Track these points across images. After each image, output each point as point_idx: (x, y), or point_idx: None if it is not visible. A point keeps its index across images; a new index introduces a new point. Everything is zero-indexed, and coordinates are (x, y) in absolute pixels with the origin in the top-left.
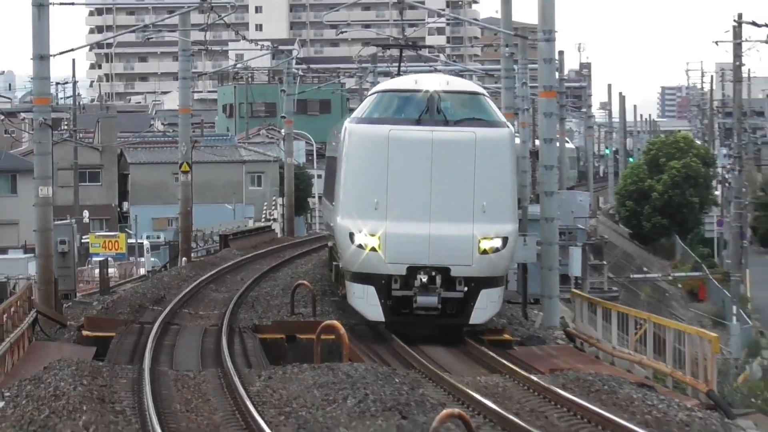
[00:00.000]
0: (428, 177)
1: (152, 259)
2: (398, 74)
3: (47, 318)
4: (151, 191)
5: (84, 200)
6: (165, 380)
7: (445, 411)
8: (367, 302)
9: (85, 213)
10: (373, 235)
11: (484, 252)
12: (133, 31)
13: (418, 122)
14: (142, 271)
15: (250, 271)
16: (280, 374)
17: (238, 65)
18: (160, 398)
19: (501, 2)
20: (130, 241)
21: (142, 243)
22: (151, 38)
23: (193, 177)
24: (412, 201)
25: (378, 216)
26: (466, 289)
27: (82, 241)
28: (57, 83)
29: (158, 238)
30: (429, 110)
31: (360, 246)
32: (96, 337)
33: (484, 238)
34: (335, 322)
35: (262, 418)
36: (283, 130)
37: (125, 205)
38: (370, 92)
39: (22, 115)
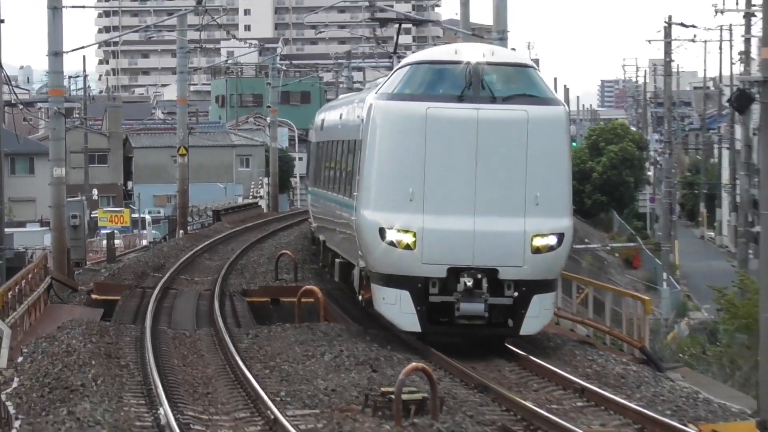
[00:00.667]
0: (473, 163)
1: (153, 231)
2: (394, 52)
3: (60, 283)
4: (152, 172)
5: (93, 180)
6: (164, 338)
7: (410, 365)
8: (399, 309)
9: (94, 191)
10: (407, 231)
11: (538, 251)
12: (137, 31)
13: (461, 99)
14: (144, 242)
15: (239, 242)
16: (265, 333)
17: (229, 61)
18: (160, 354)
19: (460, 5)
20: (133, 215)
21: (144, 217)
22: (153, 37)
23: (189, 159)
24: (453, 191)
25: (413, 208)
26: (516, 294)
27: (92, 215)
28: (69, 77)
29: (159, 213)
30: (472, 85)
31: (392, 243)
32: (103, 301)
33: (538, 235)
34: (314, 287)
35: (250, 372)
36: (268, 118)
37: (129, 184)
38: (399, 64)
39: (39, 104)
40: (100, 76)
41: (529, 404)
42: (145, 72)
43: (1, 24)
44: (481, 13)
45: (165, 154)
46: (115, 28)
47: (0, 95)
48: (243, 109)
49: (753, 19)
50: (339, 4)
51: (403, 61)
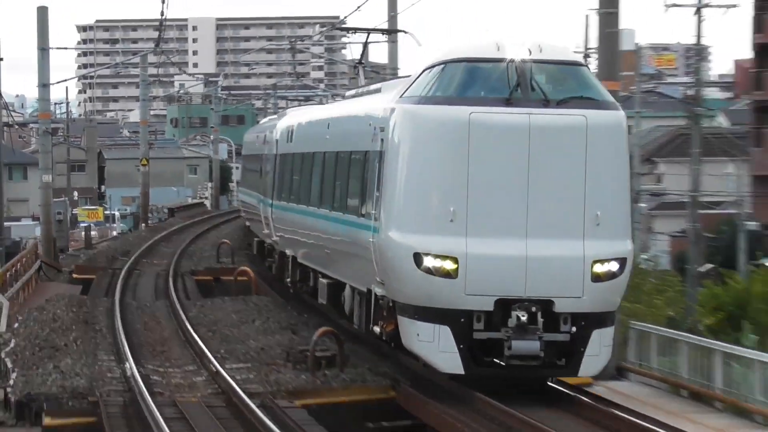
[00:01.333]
0: (524, 176)
1: (121, 224)
2: (360, 62)
3: (48, 266)
4: (121, 178)
5: (74, 184)
6: (130, 308)
7: (321, 329)
8: (438, 348)
9: (75, 193)
10: (448, 257)
11: (598, 278)
12: (108, 68)
13: (508, 102)
14: (114, 233)
15: (189, 233)
16: (209, 304)
17: (181, 91)
18: (126, 321)
19: (362, 48)
20: (106, 212)
21: (114, 214)
22: (120, 72)
23: (150, 168)
24: (501, 210)
25: (455, 230)
26: (574, 329)
27: (73, 212)
28: (55, 103)
29: (125, 210)
30: (520, 86)
31: (429, 271)
32: (82, 279)
33: (598, 261)
34: (247, 268)
35: (197, 334)
36: (211, 136)
37: (103, 187)
38: (428, 64)
39: (31, 125)
40: (80, 102)
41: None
42: (115, 100)
43: (1, 62)
44: (381, 54)
45: (130, 164)
46: (92, 65)
47: (0, 118)
48: (192, 129)
49: None
50: (267, 46)
51: (432, 60)
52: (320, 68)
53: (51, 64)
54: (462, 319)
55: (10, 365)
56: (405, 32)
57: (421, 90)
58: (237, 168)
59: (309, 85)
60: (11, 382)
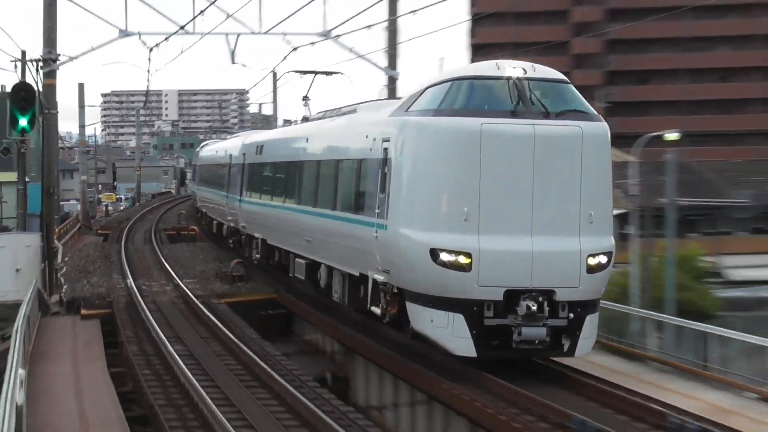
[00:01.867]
0: (529, 180)
1: (125, 203)
2: (306, 97)
3: (84, 226)
4: (125, 178)
5: (99, 181)
6: (129, 249)
7: (236, 260)
8: (452, 333)
9: (99, 186)
10: (462, 253)
11: (591, 270)
12: (118, 117)
13: (514, 114)
14: (121, 208)
15: (162, 208)
16: (173, 247)
17: (158, 129)
18: (127, 256)
19: (272, 104)
20: (117, 196)
21: (121, 197)
22: (125, 118)
23: (141, 172)
24: (509, 210)
25: (468, 229)
26: (571, 315)
27: (98, 197)
28: (88, 136)
29: (128, 195)
30: (522, 100)
31: (444, 265)
32: (104, 233)
33: (591, 255)
34: (195, 227)
35: (167, 263)
36: (176, 154)
37: (115, 183)
38: (431, 82)
39: (75, 148)
40: (102, 135)
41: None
42: (122, 134)
43: (58, 113)
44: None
45: (131, 170)
46: (109, 115)
47: (56, 144)
48: (164, 150)
49: None
50: (206, 105)
51: (437, 78)
52: (235, 117)
53: (85, 114)
54: (474, 308)
55: (63, 281)
56: (342, 73)
57: (429, 104)
58: (189, 171)
59: (228, 127)
60: (63, 290)
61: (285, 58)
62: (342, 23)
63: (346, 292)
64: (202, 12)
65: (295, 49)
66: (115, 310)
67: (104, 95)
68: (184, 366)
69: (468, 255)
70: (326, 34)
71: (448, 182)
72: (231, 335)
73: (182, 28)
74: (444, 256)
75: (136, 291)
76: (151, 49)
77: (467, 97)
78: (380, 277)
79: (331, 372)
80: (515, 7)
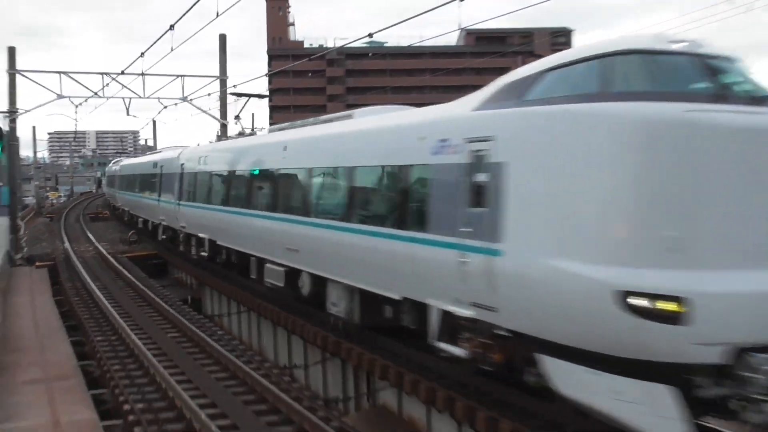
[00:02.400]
0: (760, 190)
1: (63, 197)
2: (237, 117)
3: (37, 212)
4: (66, 183)
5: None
6: (67, 225)
7: (132, 230)
8: (653, 411)
9: (48, 187)
10: (669, 297)
11: None
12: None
13: (718, 99)
14: (62, 201)
15: (87, 201)
16: (94, 223)
17: (84, 154)
18: (66, 230)
19: (153, 138)
20: (59, 194)
21: (61, 195)
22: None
23: (74, 180)
24: (736, 232)
25: (676, 261)
26: None
27: (46, 194)
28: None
29: (67, 192)
30: (716, 82)
31: (639, 313)
32: (50, 216)
33: None
34: (107, 211)
35: (89, 233)
36: (96, 170)
37: (58, 186)
38: (557, 63)
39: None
40: (49, 156)
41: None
42: (61, 156)
43: (18, 143)
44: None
45: (67, 178)
46: (52, 144)
47: (18, 163)
48: (89, 167)
49: None
50: (116, 137)
51: (565, 58)
52: (131, 148)
53: (37, 144)
54: (685, 375)
55: (24, 245)
56: (266, 95)
57: (572, 89)
58: (104, 179)
59: (126, 153)
60: (24, 251)
61: (159, 112)
62: (194, 92)
63: (357, 309)
64: (107, 84)
65: (165, 107)
66: (57, 262)
67: (49, 133)
68: (100, 294)
69: (677, 299)
70: (184, 99)
71: (637, 194)
72: (129, 275)
73: (95, 93)
74: (639, 301)
75: (70, 250)
76: (77, 106)
77: (633, 78)
78: (464, 312)
79: (191, 296)
80: (293, 84)
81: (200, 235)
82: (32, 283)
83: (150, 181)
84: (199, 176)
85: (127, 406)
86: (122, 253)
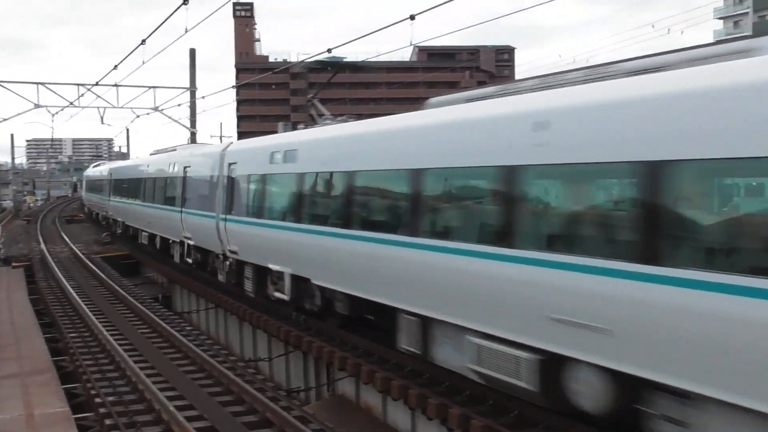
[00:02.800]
0: None
1: (41, 201)
2: (311, 98)
3: (14, 215)
4: (42, 186)
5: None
6: (44, 227)
7: (105, 233)
8: None
9: (25, 191)
10: None
11: None
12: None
13: None
14: (39, 204)
15: (63, 205)
16: (69, 226)
17: (65, 161)
18: (42, 231)
19: (127, 145)
20: (36, 197)
21: (38, 198)
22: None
23: (51, 185)
24: None
25: None
26: None
27: (24, 197)
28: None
29: (44, 196)
30: None
31: None
32: (27, 219)
33: None
34: (81, 214)
35: (65, 235)
36: (72, 175)
37: (35, 190)
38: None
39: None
40: (27, 162)
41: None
42: (39, 162)
43: None
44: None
45: (44, 182)
46: (30, 151)
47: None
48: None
49: None
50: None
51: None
52: (105, 154)
53: (14, 151)
54: None
55: (1, 246)
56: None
57: None
58: (78, 183)
59: (100, 159)
60: (1, 251)
61: (132, 121)
62: (165, 102)
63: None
64: (82, 94)
65: (138, 116)
66: (33, 262)
67: (27, 140)
68: (74, 293)
69: None
70: (156, 108)
71: None
72: (102, 275)
73: (71, 103)
74: None
75: (46, 251)
76: (53, 115)
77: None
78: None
79: (161, 294)
80: (260, 96)
81: (273, 267)
82: (9, 282)
83: (163, 186)
84: (275, 180)
85: (98, 399)
86: (96, 254)
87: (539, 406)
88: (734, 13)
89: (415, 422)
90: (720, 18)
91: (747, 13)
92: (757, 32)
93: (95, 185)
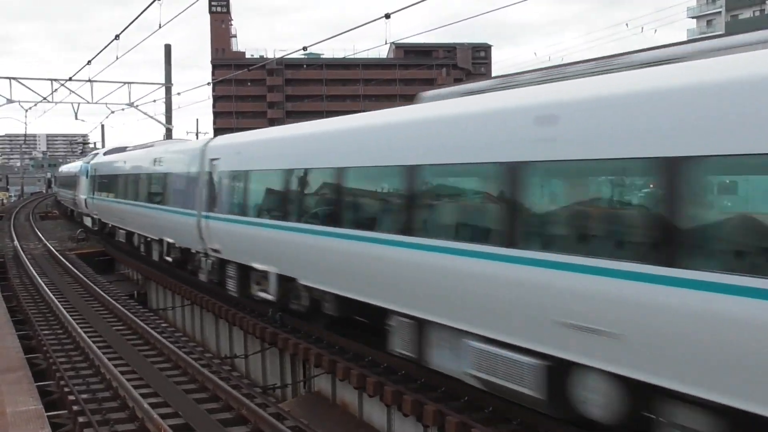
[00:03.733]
0: None
1: (13, 198)
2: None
3: None
4: (16, 182)
5: None
6: (17, 224)
7: (80, 229)
8: None
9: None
10: None
11: None
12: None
13: None
14: (12, 200)
15: (36, 201)
16: (43, 222)
17: (40, 157)
18: (15, 227)
19: (101, 140)
20: (9, 194)
21: (12, 194)
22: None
23: (24, 181)
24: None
25: None
26: None
27: None
28: None
29: (16, 192)
30: None
31: None
32: (0, 215)
33: None
34: (56, 210)
35: (39, 232)
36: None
37: (8, 186)
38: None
39: None
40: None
41: None
42: (12, 157)
43: None
44: None
45: (19, 179)
46: (2, 147)
47: None
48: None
49: None
50: (65, 139)
51: None
52: (81, 151)
53: None
54: None
55: None
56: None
57: None
58: (53, 179)
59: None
60: None
61: (107, 117)
62: (140, 98)
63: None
64: (56, 90)
65: (112, 112)
66: (6, 259)
67: (0, 136)
68: (48, 290)
69: None
70: (131, 104)
71: None
72: (76, 271)
73: (44, 98)
74: None
75: (19, 248)
76: (26, 110)
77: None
78: None
79: (137, 290)
80: (236, 92)
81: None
82: None
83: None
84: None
85: (72, 397)
86: (70, 251)
87: (541, 413)
88: (707, 12)
89: (391, 419)
90: (693, 17)
91: (720, 12)
92: (730, 31)
93: (132, 185)
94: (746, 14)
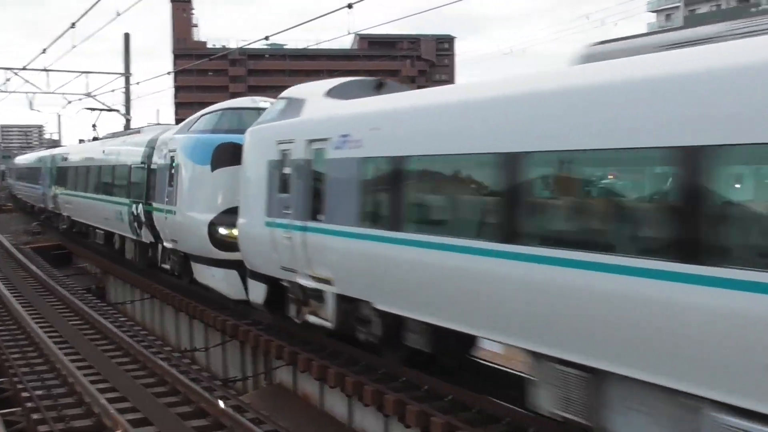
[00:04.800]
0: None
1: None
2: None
3: None
4: None
5: None
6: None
7: (34, 222)
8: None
9: None
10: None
11: None
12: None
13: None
14: None
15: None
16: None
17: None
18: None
19: (58, 133)
20: None
21: None
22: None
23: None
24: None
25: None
26: None
27: None
28: None
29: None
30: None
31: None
32: None
33: None
34: (11, 204)
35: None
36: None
37: None
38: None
39: None
40: None
41: None
42: None
43: None
44: None
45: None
46: None
47: None
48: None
49: None
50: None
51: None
52: (36, 142)
53: None
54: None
55: None
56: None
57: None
58: (7, 172)
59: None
60: None
61: (64, 107)
62: (98, 88)
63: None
64: (8, 79)
65: (69, 102)
66: None
67: None
68: (0, 285)
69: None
70: (88, 94)
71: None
72: (31, 266)
73: None
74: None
75: None
76: None
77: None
78: None
79: (95, 284)
80: (197, 83)
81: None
82: None
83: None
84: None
85: (26, 394)
86: (25, 244)
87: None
88: (666, 7)
89: (352, 409)
90: (653, 11)
91: (678, 6)
92: (688, 25)
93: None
94: (703, 9)
